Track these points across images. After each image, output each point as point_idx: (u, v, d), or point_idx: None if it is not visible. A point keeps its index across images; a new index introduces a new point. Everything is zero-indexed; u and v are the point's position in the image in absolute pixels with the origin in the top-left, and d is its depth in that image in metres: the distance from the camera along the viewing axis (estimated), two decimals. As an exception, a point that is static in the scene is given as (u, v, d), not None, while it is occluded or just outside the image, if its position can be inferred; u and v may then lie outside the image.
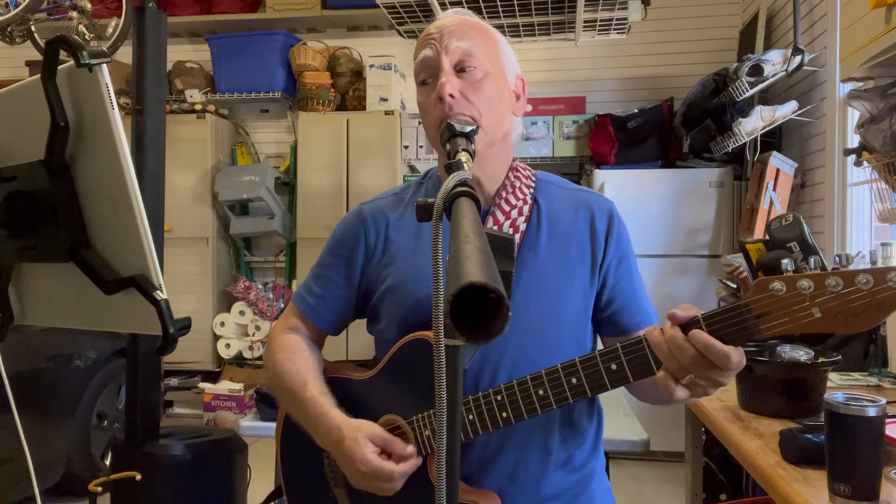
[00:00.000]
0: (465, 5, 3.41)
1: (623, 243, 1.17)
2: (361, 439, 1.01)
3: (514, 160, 1.20)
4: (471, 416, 1.03)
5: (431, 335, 0.94)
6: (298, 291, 1.24)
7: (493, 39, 1.14)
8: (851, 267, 0.82)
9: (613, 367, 0.95)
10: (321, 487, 1.18)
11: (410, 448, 1.03)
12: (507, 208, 1.14)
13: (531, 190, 1.17)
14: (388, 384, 1.13)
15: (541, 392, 0.99)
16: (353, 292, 1.20)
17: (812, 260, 0.82)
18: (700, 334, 0.87)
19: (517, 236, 1.12)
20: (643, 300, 1.18)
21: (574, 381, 0.97)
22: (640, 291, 1.18)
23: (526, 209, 1.14)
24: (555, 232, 1.14)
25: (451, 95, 1.06)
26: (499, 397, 1.01)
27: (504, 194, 1.14)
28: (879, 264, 2.35)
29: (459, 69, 1.09)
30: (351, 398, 1.13)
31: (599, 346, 1.19)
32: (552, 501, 1.11)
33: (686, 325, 0.89)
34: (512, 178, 1.16)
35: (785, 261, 0.84)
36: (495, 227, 1.12)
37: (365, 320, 1.25)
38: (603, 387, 0.97)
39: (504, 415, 1.01)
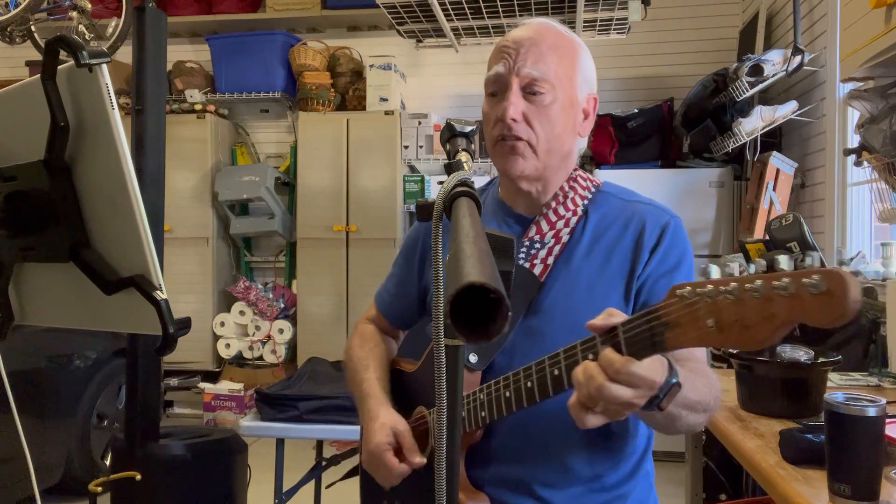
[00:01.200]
0: (466, 5, 3.41)
1: (670, 259, 1.11)
2: (385, 427, 1.10)
3: (575, 169, 1.19)
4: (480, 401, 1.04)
5: None
6: (379, 287, 1.38)
7: (571, 59, 1.12)
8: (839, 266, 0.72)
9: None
10: None
11: (418, 459, 1.08)
12: (553, 218, 1.13)
13: (585, 201, 1.15)
14: (423, 378, 1.21)
15: (556, 372, 0.92)
16: (415, 291, 1.29)
17: (753, 266, 0.68)
18: (606, 354, 0.78)
19: (557, 247, 1.11)
20: None
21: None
22: None
23: (573, 220, 1.13)
24: (597, 246, 1.12)
25: (514, 119, 1.07)
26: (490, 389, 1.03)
27: (554, 204, 1.14)
28: (867, 264, 2.33)
29: (529, 91, 1.08)
30: (399, 387, 1.25)
31: None
32: None
33: (606, 334, 0.82)
34: (566, 189, 1.15)
35: (732, 264, 0.70)
36: (537, 236, 1.13)
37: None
38: None
39: (507, 395, 0.98)
